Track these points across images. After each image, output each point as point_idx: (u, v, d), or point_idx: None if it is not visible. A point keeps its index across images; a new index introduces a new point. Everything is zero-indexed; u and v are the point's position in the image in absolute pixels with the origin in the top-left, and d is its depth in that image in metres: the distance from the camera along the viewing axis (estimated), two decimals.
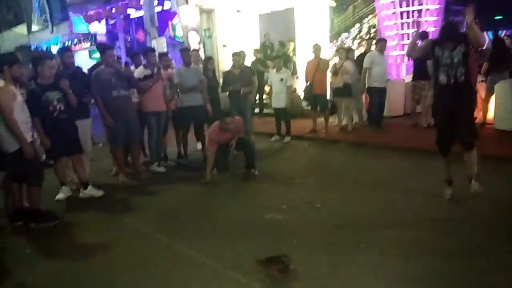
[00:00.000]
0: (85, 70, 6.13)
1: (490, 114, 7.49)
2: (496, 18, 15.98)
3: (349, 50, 8.68)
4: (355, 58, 8.43)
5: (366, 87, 7.75)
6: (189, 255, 3.42)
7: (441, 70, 3.96)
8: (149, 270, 3.23)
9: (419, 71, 7.57)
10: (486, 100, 7.52)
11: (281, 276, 2.95)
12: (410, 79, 8.38)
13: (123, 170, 5.88)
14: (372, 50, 8.01)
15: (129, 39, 18.30)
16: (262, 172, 5.66)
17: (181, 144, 6.83)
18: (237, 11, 11.97)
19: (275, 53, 10.49)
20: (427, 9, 9.90)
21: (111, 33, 18.58)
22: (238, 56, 7.21)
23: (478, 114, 7.80)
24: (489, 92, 7.37)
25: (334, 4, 11.63)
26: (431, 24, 9.89)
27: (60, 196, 5.07)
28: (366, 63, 7.62)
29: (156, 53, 6.63)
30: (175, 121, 6.65)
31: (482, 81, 7.60)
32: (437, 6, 9.95)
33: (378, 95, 7.67)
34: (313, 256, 3.24)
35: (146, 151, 6.56)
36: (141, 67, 6.15)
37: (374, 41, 8.40)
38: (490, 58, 7.50)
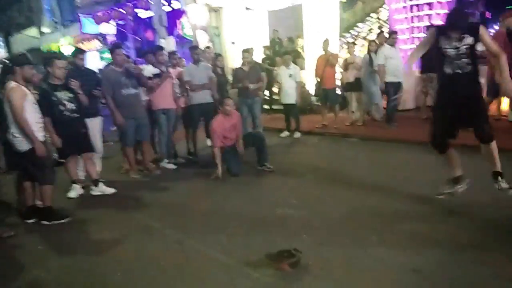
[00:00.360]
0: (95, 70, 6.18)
1: (504, 107, 7.35)
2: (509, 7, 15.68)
3: (370, 42, 8.47)
4: (375, 51, 7.91)
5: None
6: (201, 250, 3.42)
7: (446, 62, 3.69)
8: (161, 265, 3.24)
9: (427, 64, 7.40)
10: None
11: (292, 270, 2.93)
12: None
13: (133, 167, 5.92)
14: (384, 45, 7.83)
15: (138, 39, 18.43)
16: (272, 167, 5.64)
17: (190, 141, 6.86)
18: (246, 8, 11.95)
19: (284, 49, 10.45)
20: (438, 2, 9.77)
21: (121, 33, 18.74)
22: (247, 53, 7.19)
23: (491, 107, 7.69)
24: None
25: None
26: (442, 17, 9.75)
27: (71, 193, 5.11)
28: (380, 59, 7.42)
29: (165, 52, 6.66)
30: (184, 119, 6.67)
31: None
32: None
33: (394, 89, 7.43)
34: (324, 250, 3.22)
35: (156, 148, 6.58)
36: (150, 66, 6.19)
37: (386, 34, 8.23)
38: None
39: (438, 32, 3.76)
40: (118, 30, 18.80)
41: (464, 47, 3.61)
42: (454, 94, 3.72)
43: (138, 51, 17.49)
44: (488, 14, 15.01)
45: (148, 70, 6.12)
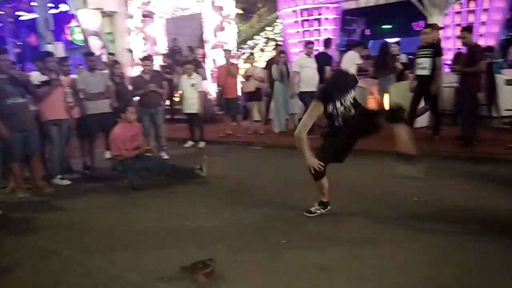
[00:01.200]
0: None
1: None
2: (384, 27, 17.74)
3: (279, 53, 8.38)
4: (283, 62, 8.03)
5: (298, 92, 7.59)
6: (107, 269, 3.19)
7: (336, 118, 3.74)
8: None
9: (320, 78, 7.71)
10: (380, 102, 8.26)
11: (208, 280, 2.90)
12: None
13: (21, 185, 5.31)
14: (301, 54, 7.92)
15: (19, 43, 16.68)
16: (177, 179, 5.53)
17: (87, 154, 6.41)
18: (143, 15, 11.62)
19: (184, 59, 10.38)
20: (326, 18, 10.67)
21: None
22: (148, 61, 7.00)
23: None
24: (381, 95, 8.11)
25: (240, 11, 11.92)
26: (330, 33, 10.66)
27: None
28: (295, 67, 7.57)
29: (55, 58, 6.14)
30: (79, 130, 6.20)
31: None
32: (334, 16, 10.79)
33: (310, 99, 7.41)
34: (238, 257, 3.24)
35: (46, 163, 5.99)
36: (37, 73, 5.66)
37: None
38: (374, 64, 8.25)
39: (325, 103, 3.72)
40: None
41: (349, 101, 3.70)
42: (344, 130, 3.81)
43: (19, 57, 15.86)
44: (367, 31, 16.81)
45: (36, 77, 5.58)
